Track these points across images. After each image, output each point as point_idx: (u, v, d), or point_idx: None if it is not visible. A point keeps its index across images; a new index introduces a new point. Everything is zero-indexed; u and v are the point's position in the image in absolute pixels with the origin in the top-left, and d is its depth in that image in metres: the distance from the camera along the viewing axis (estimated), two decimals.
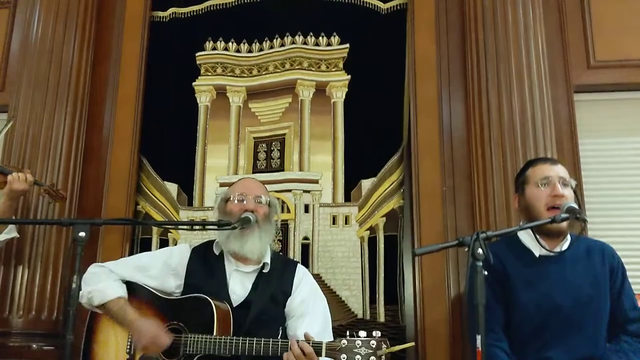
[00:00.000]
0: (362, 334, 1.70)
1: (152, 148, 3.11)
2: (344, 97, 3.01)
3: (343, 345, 1.69)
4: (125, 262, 2.20)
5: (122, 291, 2.04)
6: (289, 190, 2.93)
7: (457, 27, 2.95)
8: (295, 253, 2.84)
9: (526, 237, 2.00)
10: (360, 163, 2.90)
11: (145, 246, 2.95)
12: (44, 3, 3.07)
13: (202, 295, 1.95)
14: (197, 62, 3.19)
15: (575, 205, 1.83)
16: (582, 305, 1.90)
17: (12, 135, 2.92)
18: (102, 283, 2.02)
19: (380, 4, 3.07)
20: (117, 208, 2.95)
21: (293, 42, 3.11)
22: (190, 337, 1.89)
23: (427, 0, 2.99)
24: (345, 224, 2.85)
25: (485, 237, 1.54)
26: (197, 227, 2.84)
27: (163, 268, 2.12)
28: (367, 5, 3.07)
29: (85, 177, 3.01)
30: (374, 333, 1.70)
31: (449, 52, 2.93)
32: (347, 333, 1.72)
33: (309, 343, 1.75)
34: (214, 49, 3.20)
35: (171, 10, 3.28)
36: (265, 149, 3.04)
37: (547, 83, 2.70)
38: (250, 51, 3.17)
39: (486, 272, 1.50)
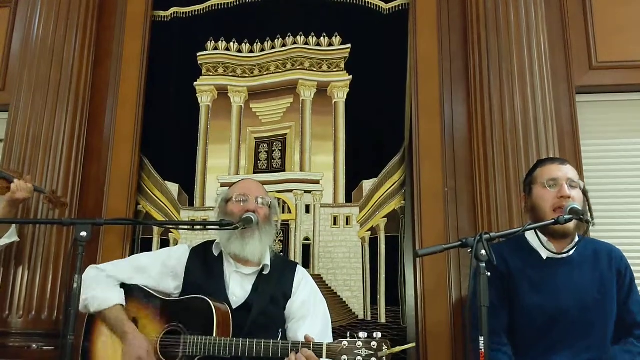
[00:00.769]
0: (363, 335, 1.70)
1: (153, 148, 3.10)
2: (345, 97, 3.00)
3: (344, 347, 1.69)
4: (123, 263, 2.19)
5: (119, 298, 2.03)
6: (290, 191, 2.92)
7: (459, 27, 2.94)
8: (296, 253, 2.83)
9: (533, 239, 1.98)
10: (361, 163, 2.89)
11: (146, 246, 2.94)
12: (44, 2, 3.06)
13: (201, 296, 1.94)
14: (199, 62, 3.18)
15: (579, 207, 1.82)
16: (588, 309, 1.88)
17: (13, 136, 2.92)
18: (99, 289, 2.02)
19: (382, 4, 3.06)
20: (117, 208, 2.93)
21: (294, 42, 3.10)
22: (190, 338, 1.88)
23: (429, 1, 2.98)
24: (347, 224, 2.84)
25: (488, 238, 1.54)
26: (198, 227, 2.83)
27: (162, 269, 2.11)
28: (369, 6, 3.06)
29: (86, 177, 3.00)
30: (374, 334, 1.70)
31: (451, 52, 2.93)
32: (348, 334, 1.71)
33: (310, 345, 1.75)
34: (216, 48, 3.19)
35: (172, 9, 3.27)
36: (267, 149, 3.04)
37: (549, 84, 2.70)
38: (251, 51, 3.16)
39: (489, 274, 1.49)
